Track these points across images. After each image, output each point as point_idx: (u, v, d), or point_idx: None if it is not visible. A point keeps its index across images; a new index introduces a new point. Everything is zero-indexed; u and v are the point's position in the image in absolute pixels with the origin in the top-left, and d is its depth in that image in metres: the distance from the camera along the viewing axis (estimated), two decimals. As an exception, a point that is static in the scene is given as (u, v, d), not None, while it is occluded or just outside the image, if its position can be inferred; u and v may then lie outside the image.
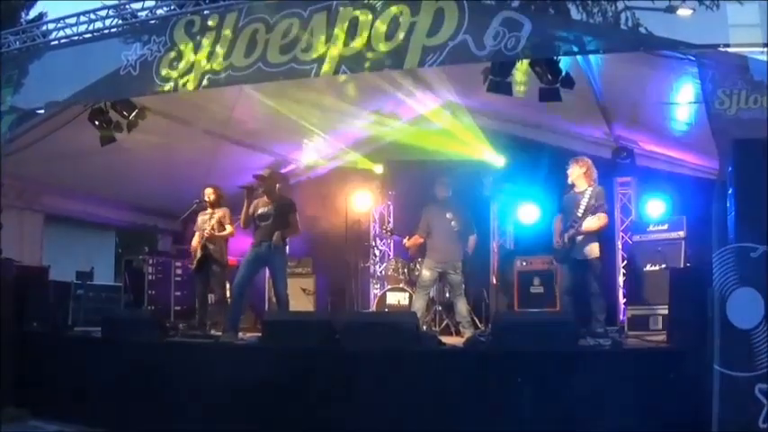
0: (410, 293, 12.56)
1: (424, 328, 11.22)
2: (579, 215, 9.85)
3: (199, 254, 11.43)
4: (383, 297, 13.24)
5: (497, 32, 7.61)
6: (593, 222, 9.87)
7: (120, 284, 15.12)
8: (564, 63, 8.61)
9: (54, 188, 13.72)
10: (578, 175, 10.14)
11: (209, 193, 11.64)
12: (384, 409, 7.85)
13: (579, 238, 9.90)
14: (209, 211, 11.62)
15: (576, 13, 7.91)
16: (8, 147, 10.69)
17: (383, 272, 14.69)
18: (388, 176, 14.83)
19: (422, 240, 11.71)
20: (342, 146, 15.25)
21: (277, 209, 10.68)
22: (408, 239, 12.27)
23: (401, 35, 8.02)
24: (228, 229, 11.47)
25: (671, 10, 7.57)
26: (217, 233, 11.36)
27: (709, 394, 6.01)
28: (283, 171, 15.21)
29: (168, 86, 9.22)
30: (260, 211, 10.72)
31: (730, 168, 6.29)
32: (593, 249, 9.97)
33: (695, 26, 7.49)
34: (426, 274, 11.40)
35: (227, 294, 12.03)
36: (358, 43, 8.22)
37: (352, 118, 13.75)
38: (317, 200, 14.79)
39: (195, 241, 11.62)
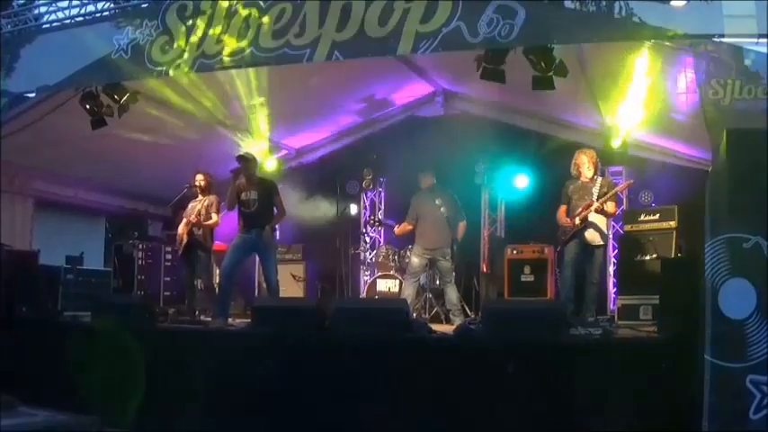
0: (400, 280, 12.56)
1: (414, 315, 11.21)
2: (594, 199, 10.01)
3: (185, 239, 11.42)
4: (373, 284, 13.25)
5: (491, 20, 7.61)
6: (610, 208, 10.07)
7: (109, 270, 15.07)
8: (558, 51, 8.59)
9: (44, 173, 13.66)
10: (587, 165, 10.28)
11: (199, 180, 11.63)
12: (374, 395, 7.85)
13: (592, 217, 10.02)
14: (200, 197, 11.61)
15: (570, 2, 7.90)
16: (-2, 131, 10.68)
17: (373, 259, 14.70)
18: (379, 163, 14.77)
19: (411, 228, 11.69)
20: (333, 131, 15.22)
21: (260, 194, 10.67)
22: (398, 227, 12.26)
23: (394, 21, 8.01)
24: (214, 218, 11.47)
25: (665, 0, 7.57)
26: (203, 221, 11.36)
27: (700, 385, 6.01)
28: (275, 156, 15.19)
29: (160, 71, 9.20)
30: (243, 196, 10.69)
31: (723, 158, 6.28)
32: (602, 237, 10.11)
33: (689, 16, 7.48)
34: (415, 260, 11.41)
35: (215, 280, 12.04)
36: (351, 29, 8.20)
37: (345, 103, 13.72)
38: (308, 186, 14.79)
39: (181, 228, 11.61)
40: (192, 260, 11.60)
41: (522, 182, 13.73)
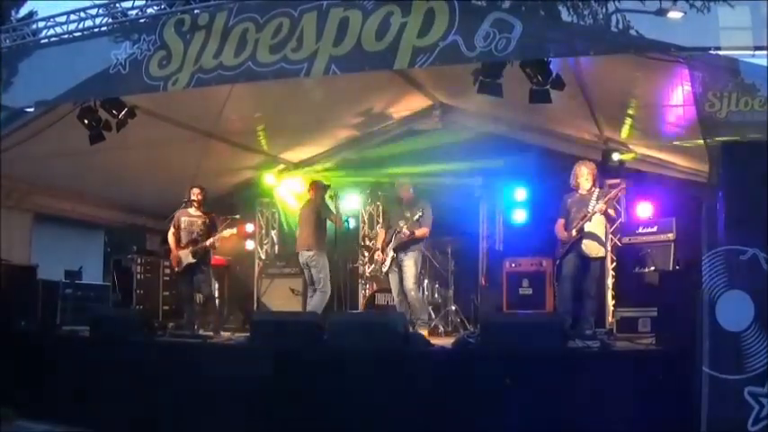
0: (398, 294, 12.52)
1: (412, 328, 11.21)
2: (589, 210, 10.00)
3: (190, 260, 11.42)
4: (372, 298, 13.21)
5: (488, 33, 7.59)
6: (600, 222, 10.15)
7: (108, 284, 15.11)
8: (554, 65, 8.60)
9: (43, 187, 13.68)
10: (586, 176, 10.29)
11: (195, 193, 11.63)
12: (372, 408, 7.84)
13: (589, 228, 10.00)
14: (196, 212, 11.61)
15: (566, 15, 7.90)
16: (-3, 145, 10.70)
17: (372, 273, 14.65)
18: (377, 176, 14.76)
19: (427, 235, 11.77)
20: (331, 145, 15.23)
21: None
22: (420, 230, 12.16)
23: (391, 35, 7.99)
24: (211, 239, 11.56)
25: (661, 13, 7.57)
26: (205, 242, 11.45)
27: (699, 397, 6.01)
28: (274, 170, 15.22)
29: (158, 85, 9.20)
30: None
31: (720, 171, 6.29)
32: (599, 249, 10.10)
33: (686, 29, 7.48)
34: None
35: (214, 293, 12.08)
36: (348, 43, 8.19)
37: (342, 117, 13.73)
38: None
39: (172, 242, 11.62)
40: (191, 275, 11.60)
41: (521, 195, 13.75)
